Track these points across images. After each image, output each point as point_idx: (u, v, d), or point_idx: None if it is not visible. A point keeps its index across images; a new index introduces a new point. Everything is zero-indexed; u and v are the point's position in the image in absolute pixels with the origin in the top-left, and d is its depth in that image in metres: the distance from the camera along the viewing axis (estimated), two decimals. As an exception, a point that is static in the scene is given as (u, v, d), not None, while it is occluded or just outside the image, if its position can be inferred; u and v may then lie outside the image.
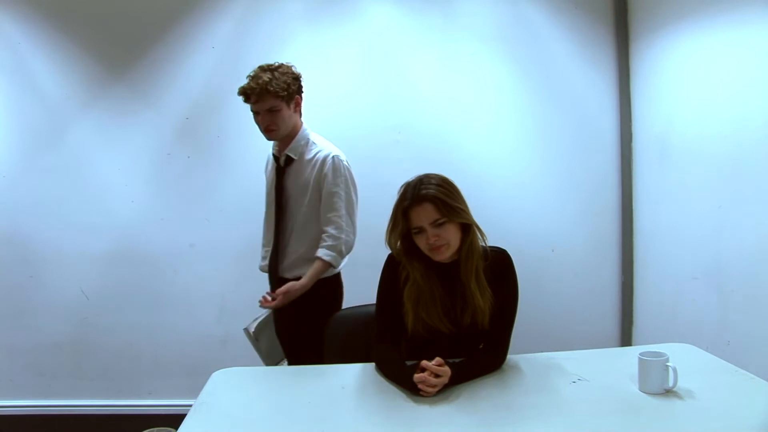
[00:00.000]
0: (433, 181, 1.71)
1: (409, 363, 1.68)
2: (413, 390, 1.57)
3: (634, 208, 2.93)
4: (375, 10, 2.89)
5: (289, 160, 2.26)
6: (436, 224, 1.67)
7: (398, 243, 1.75)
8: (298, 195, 2.24)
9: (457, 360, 1.66)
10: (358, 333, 1.99)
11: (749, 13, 2.12)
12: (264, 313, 2.30)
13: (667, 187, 2.65)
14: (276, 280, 2.29)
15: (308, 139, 2.28)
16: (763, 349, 2.03)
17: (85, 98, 2.87)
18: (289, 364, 2.26)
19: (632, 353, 1.64)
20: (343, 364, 1.87)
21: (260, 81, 2.12)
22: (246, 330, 2.24)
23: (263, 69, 2.17)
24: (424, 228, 1.68)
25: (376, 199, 2.88)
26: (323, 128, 2.90)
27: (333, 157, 2.24)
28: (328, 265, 2.21)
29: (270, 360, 2.29)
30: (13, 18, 2.86)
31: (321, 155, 2.25)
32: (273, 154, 2.31)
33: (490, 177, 2.90)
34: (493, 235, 1.85)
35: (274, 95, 2.14)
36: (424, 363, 1.59)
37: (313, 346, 2.06)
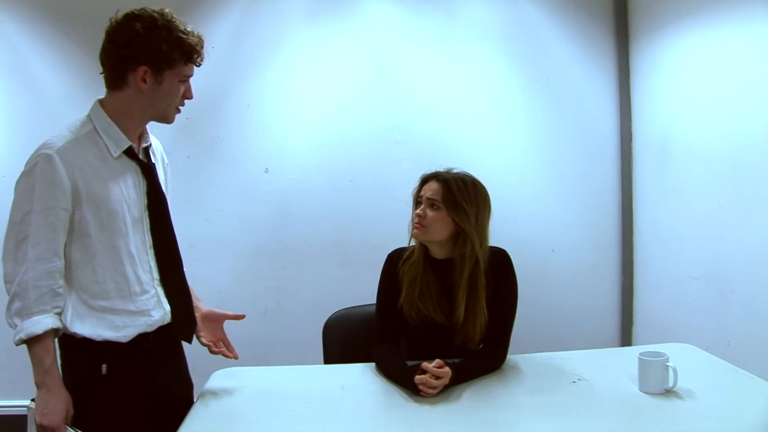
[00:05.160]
0: (460, 174, 1.80)
1: (409, 363, 1.68)
2: (414, 390, 1.58)
3: (634, 208, 2.93)
4: (375, 10, 2.89)
5: (147, 153, 1.61)
6: (431, 203, 1.75)
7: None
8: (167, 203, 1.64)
9: (456, 360, 1.66)
10: (358, 333, 1.99)
11: (749, 13, 2.11)
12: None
13: (667, 187, 2.65)
14: (181, 337, 1.65)
15: None
16: (763, 349, 2.03)
17: (85, 98, 2.80)
18: None
19: (632, 353, 1.64)
20: (343, 364, 1.88)
21: (202, 38, 1.56)
22: None
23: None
24: (422, 201, 1.77)
25: (375, 199, 2.90)
26: (322, 128, 2.92)
27: None
28: None
29: None
30: (13, 18, 2.85)
31: (160, 146, 1.69)
32: (128, 149, 1.53)
33: (489, 176, 2.86)
34: (492, 235, 1.85)
35: None
36: (425, 365, 1.59)
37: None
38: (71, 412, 1.43)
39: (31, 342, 1.39)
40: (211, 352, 1.68)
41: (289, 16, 2.88)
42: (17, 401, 3.04)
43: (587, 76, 2.92)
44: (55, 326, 1.41)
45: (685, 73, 2.51)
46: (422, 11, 2.89)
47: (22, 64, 2.86)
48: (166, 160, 1.70)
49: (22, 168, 1.42)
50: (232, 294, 2.99)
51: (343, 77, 2.89)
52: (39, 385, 1.40)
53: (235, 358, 1.71)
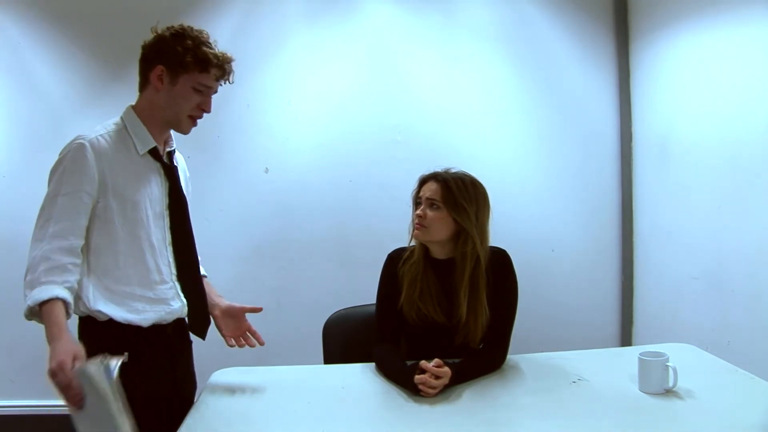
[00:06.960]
0: (458, 174, 1.81)
1: (409, 363, 1.68)
2: (414, 390, 1.58)
3: (634, 208, 2.93)
4: (375, 10, 2.89)
5: (170, 157, 1.68)
6: (431, 203, 1.76)
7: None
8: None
9: (456, 360, 1.67)
10: (358, 333, 1.99)
11: (749, 13, 2.11)
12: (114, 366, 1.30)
13: (667, 187, 2.65)
14: (196, 332, 1.73)
15: None
16: (763, 349, 2.03)
17: (85, 98, 2.86)
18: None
19: (632, 353, 1.64)
20: (343, 364, 1.88)
21: (228, 57, 1.63)
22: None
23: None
24: (422, 201, 1.78)
25: (375, 199, 2.90)
26: (322, 128, 2.92)
27: None
28: None
29: None
30: (13, 18, 2.85)
31: (182, 160, 1.76)
32: (153, 149, 1.60)
33: (489, 177, 2.85)
34: (492, 235, 1.85)
35: None
36: (424, 364, 1.59)
37: None
38: (81, 354, 1.32)
39: (41, 310, 1.37)
40: (238, 345, 1.76)
41: (290, 16, 2.88)
42: (17, 401, 3.04)
43: (587, 76, 2.92)
44: (62, 296, 1.38)
45: (684, 73, 2.51)
46: (422, 12, 2.89)
47: (23, 65, 2.87)
48: (188, 174, 1.78)
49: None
50: (232, 294, 2.96)
51: (343, 77, 2.89)
52: (50, 341, 1.34)
53: (261, 344, 1.76)
